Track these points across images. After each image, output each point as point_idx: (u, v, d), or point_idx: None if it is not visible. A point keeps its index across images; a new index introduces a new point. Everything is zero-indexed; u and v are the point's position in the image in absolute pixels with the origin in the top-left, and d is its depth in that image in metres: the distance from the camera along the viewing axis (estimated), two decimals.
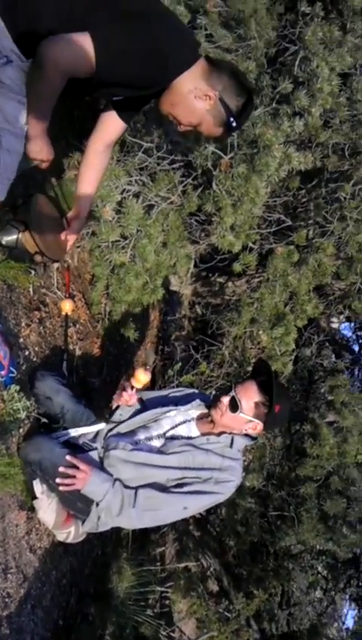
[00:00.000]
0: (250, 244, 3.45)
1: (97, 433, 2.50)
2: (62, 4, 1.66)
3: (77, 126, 3.02)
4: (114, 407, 2.49)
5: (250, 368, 4.08)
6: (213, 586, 4.88)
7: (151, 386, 4.92)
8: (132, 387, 2.39)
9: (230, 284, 4.76)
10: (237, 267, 3.43)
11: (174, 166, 2.94)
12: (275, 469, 4.69)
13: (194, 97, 1.83)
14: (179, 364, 4.46)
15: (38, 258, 2.18)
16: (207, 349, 4.51)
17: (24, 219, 2.15)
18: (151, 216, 2.90)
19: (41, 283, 2.73)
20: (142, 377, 2.37)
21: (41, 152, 1.90)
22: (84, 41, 1.62)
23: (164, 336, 5.84)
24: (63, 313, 2.84)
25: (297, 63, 2.71)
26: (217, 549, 5.03)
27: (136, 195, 2.93)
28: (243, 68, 2.64)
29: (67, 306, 2.81)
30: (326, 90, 2.58)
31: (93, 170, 2.20)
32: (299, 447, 4.44)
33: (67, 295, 2.89)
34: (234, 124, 1.90)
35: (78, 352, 3.13)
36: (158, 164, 2.94)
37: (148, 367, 2.39)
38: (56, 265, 2.82)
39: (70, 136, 2.84)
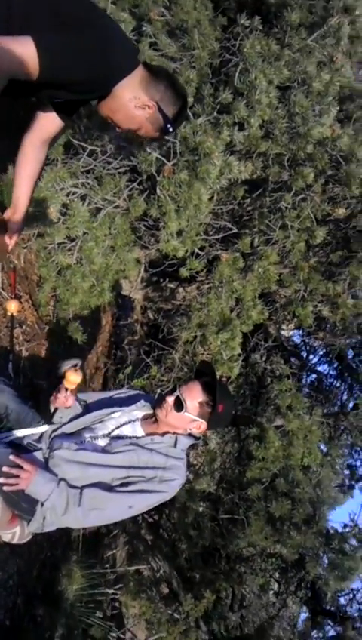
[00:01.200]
0: (197, 250, 3.54)
1: (42, 434, 2.51)
2: (1, 6, 1.70)
3: (21, 125, 3.04)
4: (52, 410, 2.51)
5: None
6: (164, 589, 4.91)
7: (103, 389, 4.94)
8: (66, 389, 2.41)
9: (180, 289, 4.83)
10: (183, 272, 3.51)
11: (120, 170, 2.99)
12: (226, 472, 4.77)
13: (134, 106, 1.90)
14: (130, 367, 4.50)
15: None
16: (158, 353, 4.56)
17: None
18: (97, 219, 2.94)
19: None
20: (72, 378, 2.36)
21: None
22: (26, 44, 1.64)
23: (116, 340, 5.87)
24: (9, 314, 2.83)
25: (237, 74, 2.81)
26: (169, 552, 5.06)
27: (83, 198, 2.97)
28: (185, 77, 2.73)
29: (12, 307, 2.80)
30: (264, 101, 2.69)
31: (29, 165, 2.21)
32: (248, 451, 4.53)
33: (12, 296, 2.89)
34: (170, 129, 2.00)
35: (24, 354, 3.14)
36: (104, 168, 2.98)
37: (77, 367, 2.40)
38: (0, 265, 2.83)
39: (13, 135, 2.85)
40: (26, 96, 2.01)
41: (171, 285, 4.95)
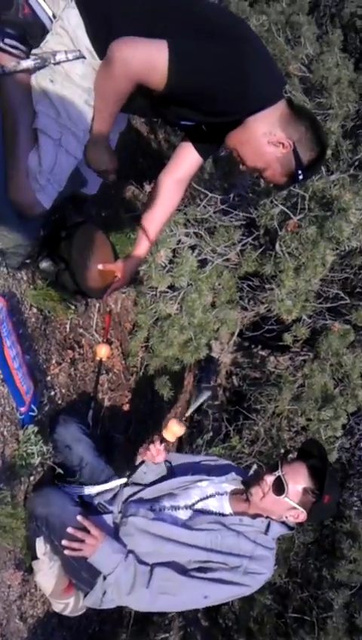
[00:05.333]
0: (304, 317, 3.26)
1: (116, 495, 2.24)
2: (147, 10, 1.58)
3: (139, 172, 2.96)
4: (138, 462, 2.23)
5: (283, 450, 3.80)
6: None
7: (178, 452, 4.64)
8: (162, 440, 2.13)
9: (272, 358, 4.58)
10: (288, 338, 3.23)
11: (236, 223, 2.80)
12: (299, 565, 4.29)
13: (267, 142, 1.70)
14: (210, 433, 4.20)
15: (77, 298, 2.02)
16: (240, 422, 4.26)
17: (65, 256, 2.00)
18: (204, 271, 2.75)
19: (79, 321, 2.56)
20: (175, 429, 2.10)
21: (101, 160, 1.77)
22: (160, 48, 1.50)
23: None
24: (98, 358, 2.65)
25: None
26: None
27: (192, 247, 2.80)
28: (325, 128, 2.52)
29: (103, 351, 2.62)
30: None
31: (160, 206, 2.02)
32: (328, 544, 4.08)
33: (104, 340, 2.71)
34: (300, 177, 1.77)
35: (106, 403, 2.92)
36: (219, 219, 2.81)
37: (184, 418, 2.12)
38: (97, 305, 2.67)
39: (132, 176, 2.75)
40: (148, 114, 1.85)
41: (263, 353, 4.70)
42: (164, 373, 3.39)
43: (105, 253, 2.16)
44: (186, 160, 1.97)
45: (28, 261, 1.94)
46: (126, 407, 3.30)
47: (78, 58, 1.60)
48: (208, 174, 2.82)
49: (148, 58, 1.51)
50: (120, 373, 3.14)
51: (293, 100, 1.77)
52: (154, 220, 2.04)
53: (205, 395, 2.15)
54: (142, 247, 2.08)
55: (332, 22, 4.45)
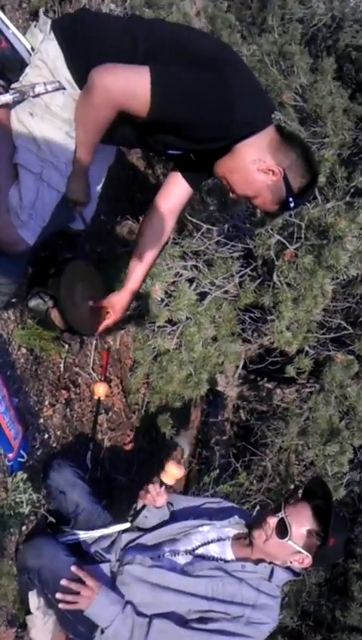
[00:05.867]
0: (306, 348, 3.18)
1: (114, 542, 2.13)
2: (127, 38, 1.55)
3: (136, 207, 2.92)
4: (139, 507, 2.13)
5: (292, 486, 3.67)
6: None
7: (185, 491, 4.51)
8: (161, 483, 2.03)
9: (278, 390, 4.49)
10: (290, 370, 3.13)
11: (233, 254, 2.75)
12: (312, 607, 4.11)
13: (256, 169, 1.65)
14: (217, 471, 4.07)
15: (66, 336, 1.95)
16: (248, 458, 4.14)
17: (53, 293, 1.94)
18: (203, 304, 2.68)
19: (74, 360, 2.49)
20: (174, 471, 2.00)
21: (79, 191, 1.73)
22: (142, 74, 1.47)
23: (203, 438, 5.47)
24: (96, 397, 2.58)
25: None
26: None
27: (190, 280, 2.74)
28: (318, 156, 2.48)
29: (100, 390, 2.55)
30: None
31: (152, 238, 1.98)
32: (341, 583, 3.90)
33: (102, 378, 2.64)
34: (291, 204, 1.72)
35: (106, 443, 2.83)
36: (216, 251, 2.76)
37: (182, 460, 2.03)
38: (94, 343, 2.60)
39: (128, 211, 2.72)
40: (140, 145, 1.81)
41: (269, 385, 4.61)
42: (167, 410, 3.29)
43: (96, 289, 2.11)
44: (176, 190, 1.92)
45: (14, 300, 1.89)
46: (128, 447, 3.20)
47: (57, 89, 1.58)
48: (203, 205, 2.78)
49: (129, 84, 1.47)
50: (120, 412, 3.05)
51: (283, 127, 1.73)
52: (146, 252, 1.98)
53: (185, 441, 2.07)
54: (133, 281, 2.02)
55: (328, 53, 4.48)
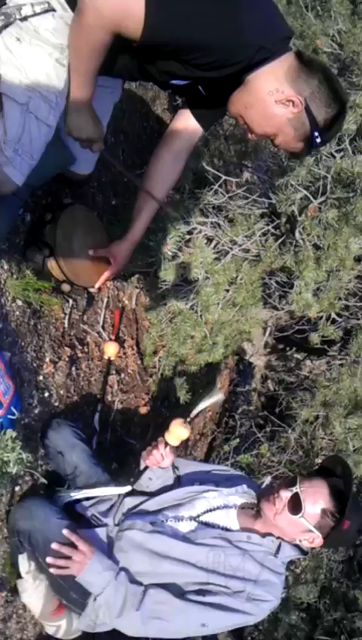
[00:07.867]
0: (334, 315, 2.98)
1: (113, 506, 2.03)
2: None
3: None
4: (142, 468, 2.01)
5: (318, 460, 3.52)
6: None
7: (206, 459, 4.41)
8: (166, 444, 1.91)
9: (308, 362, 4.32)
10: (314, 338, 2.95)
11: (255, 210, 2.56)
12: (331, 584, 3.99)
13: (274, 101, 1.46)
14: (237, 440, 3.95)
15: (65, 287, 1.83)
16: (270, 428, 4.00)
17: (49, 241, 1.80)
18: (221, 263, 2.52)
19: (82, 317, 2.37)
20: (179, 431, 1.88)
21: (82, 127, 1.57)
22: None
23: (230, 407, 5.35)
24: (106, 357, 2.47)
25: None
26: None
27: (209, 239, 2.57)
28: (351, 102, 2.24)
29: (111, 350, 2.45)
30: None
31: (157, 183, 1.82)
32: (358, 564, 3.78)
33: (113, 337, 2.52)
34: (318, 139, 1.52)
35: (118, 406, 2.73)
36: (239, 207, 2.57)
37: (188, 419, 1.89)
38: (106, 300, 2.48)
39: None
40: (142, 75, 1.64)
41: (298, 356, 4.44)
42: (186, 374, 3.17)
43: (97, 237, 1.97)
44: (184, 130, 1.75)
45: (4, 246, 1.76)
46: (143, 411, 3.09)
47: (46, 11, 1.42)
48: (220, 154, 2.58)
49: (122, 3, 1.30)
50: (135, 374, 2.93)
51: (304, 52, 1.52)
52: (150, 199, 1.83)
53: (215, 397, 1.91)
54: (137, 229, 1.87)
55: None
